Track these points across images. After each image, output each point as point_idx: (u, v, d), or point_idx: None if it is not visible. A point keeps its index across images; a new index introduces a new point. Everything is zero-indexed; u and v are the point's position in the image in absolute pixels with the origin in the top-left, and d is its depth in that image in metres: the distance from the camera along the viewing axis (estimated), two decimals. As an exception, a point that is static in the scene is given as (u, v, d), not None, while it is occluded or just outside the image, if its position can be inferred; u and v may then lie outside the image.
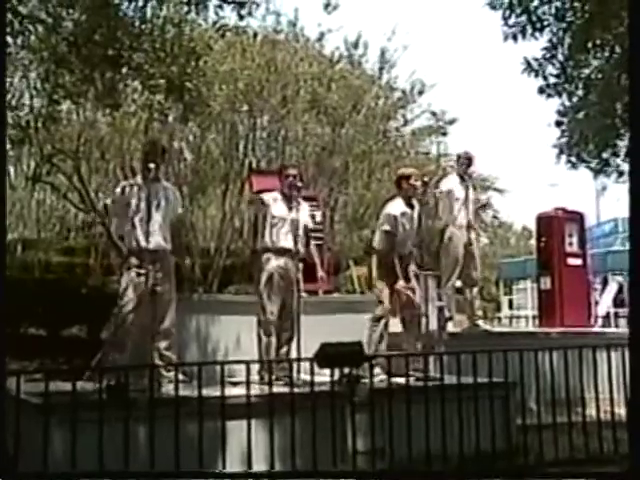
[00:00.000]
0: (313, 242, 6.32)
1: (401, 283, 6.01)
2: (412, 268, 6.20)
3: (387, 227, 6.14)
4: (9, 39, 7.11)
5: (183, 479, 4.40)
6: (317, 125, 11.76)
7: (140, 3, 7.10)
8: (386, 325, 6.08)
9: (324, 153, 11.72)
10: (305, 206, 6.17)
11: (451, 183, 7.79)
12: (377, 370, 5.28)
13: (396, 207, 6.19)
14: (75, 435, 4.18)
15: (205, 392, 4.56)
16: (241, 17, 7.21)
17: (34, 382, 4.58)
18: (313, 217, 6.55)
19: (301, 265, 6.02)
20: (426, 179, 6.60)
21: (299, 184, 6.05)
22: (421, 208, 6.30)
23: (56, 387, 4.36)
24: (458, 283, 7.80)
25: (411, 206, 6.20)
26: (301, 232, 5.98)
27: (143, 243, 5.29)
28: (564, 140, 8.58)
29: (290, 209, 5.97)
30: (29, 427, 4.19)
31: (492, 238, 22.94)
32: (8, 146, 10.06)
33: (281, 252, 5.89)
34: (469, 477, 4.90)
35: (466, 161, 7.79)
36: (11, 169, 12.39)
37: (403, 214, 6.13)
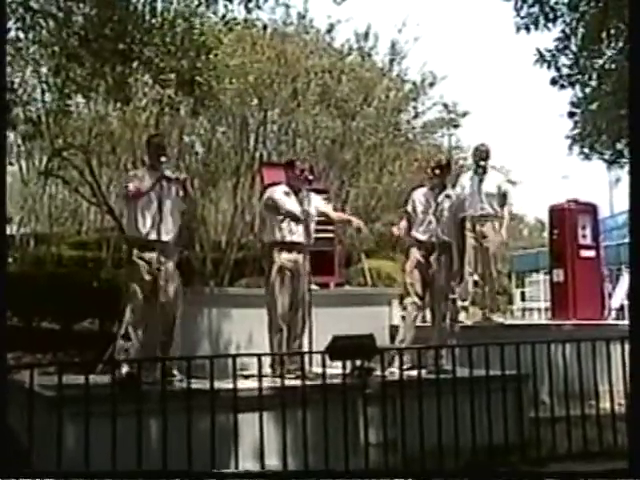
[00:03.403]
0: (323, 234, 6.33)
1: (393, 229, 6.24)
2: (446, 261, 6.04)
3: (404, 208, 6.40)
4: (21, 34, 7.15)
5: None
6: (328, 118, 11.70)
7: (150, -3, 7.12)
8: (415, 317, 6.07)
9: (335, 146, 11.67)
10: (316, 198, 6.13)
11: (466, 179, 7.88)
12: (397, 363, 5.29)
13: (417, 191, 6.35)
14: (88, 428, 4.19)
15: (217, 385, 4.57)
16: (248, 10, 7.20)
17: (47, 375, 4.62)
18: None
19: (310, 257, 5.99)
20: (437, 172, 6.56)
21: (310, 177, 6.03)
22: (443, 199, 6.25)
23: (68, 380, 4.37)
24: (475, 277, 7.78)
25: (436, 193, 6.20)
26: (311, 225, 5.96)
27: (153, 234, 5.30)
28: (577, 131, 8.51)
29: (301, 202, 5.96)
30: (42, 420, 4.22)
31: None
32: (19, 141, 10.16)
33: (291, 246, 5.88)
34: (481, 470, 4.88)
35: (483, 154, 7.81)
36: (23, 163, 12.45)
37: (422, 195, 6.23)
